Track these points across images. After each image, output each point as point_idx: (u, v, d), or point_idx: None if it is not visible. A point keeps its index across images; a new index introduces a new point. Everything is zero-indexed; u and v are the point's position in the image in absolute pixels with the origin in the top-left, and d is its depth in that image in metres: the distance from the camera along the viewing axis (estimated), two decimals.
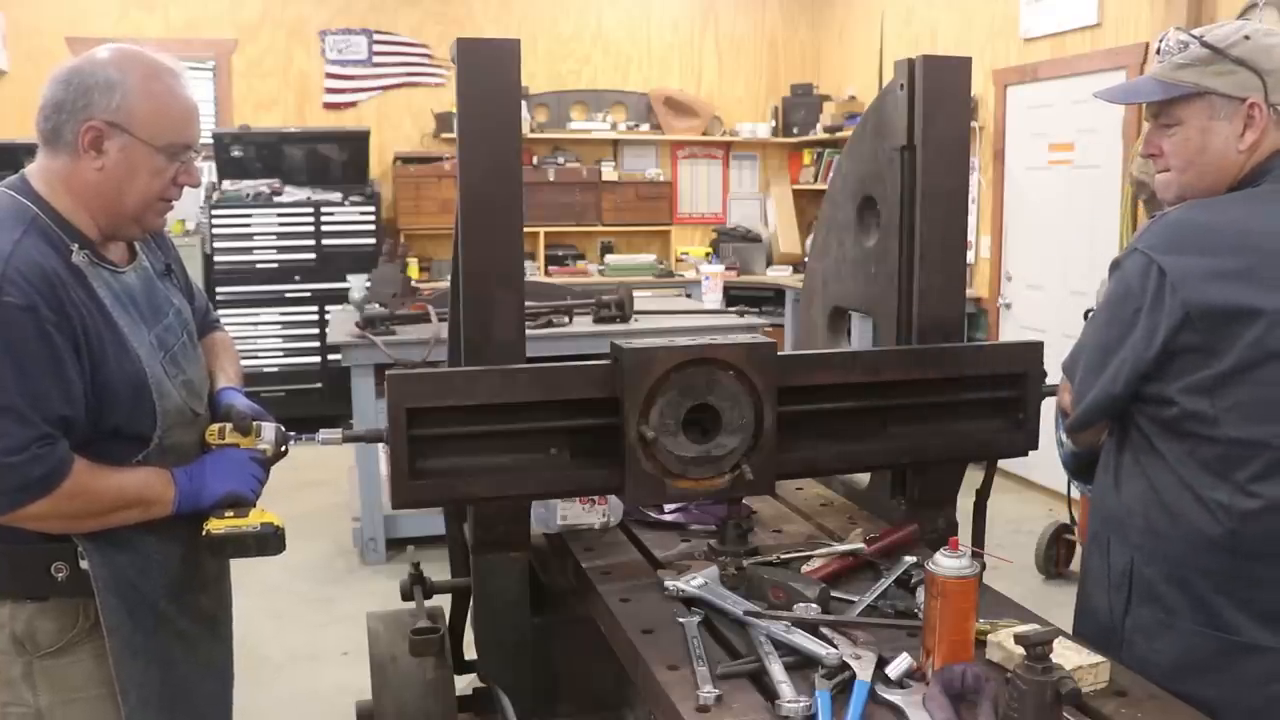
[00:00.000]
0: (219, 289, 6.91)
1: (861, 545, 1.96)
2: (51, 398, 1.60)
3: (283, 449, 1.89)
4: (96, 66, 1.69)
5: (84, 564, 1.70)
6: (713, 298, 6.67)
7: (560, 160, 8.19)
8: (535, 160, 8.03)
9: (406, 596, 2.16)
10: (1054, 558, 4.65)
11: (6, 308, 1.56)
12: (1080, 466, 1.96)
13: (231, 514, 1.77)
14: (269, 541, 1.78)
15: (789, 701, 1.42)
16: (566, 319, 4.97)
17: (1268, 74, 1.68)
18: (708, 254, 8.38)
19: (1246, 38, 1.69)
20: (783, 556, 1.94)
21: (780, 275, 8.16)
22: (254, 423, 1.85)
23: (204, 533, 1.76)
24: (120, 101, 1.67)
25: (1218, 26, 1.74)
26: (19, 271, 1.58)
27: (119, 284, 1.75)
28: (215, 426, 1.85)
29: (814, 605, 1.69)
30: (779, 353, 1.89)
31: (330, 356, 6.60)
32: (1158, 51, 1.80)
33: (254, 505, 1.81)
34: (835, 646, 1.56)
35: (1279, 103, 1.69)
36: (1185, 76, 1.71)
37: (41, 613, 1.72)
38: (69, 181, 1.71)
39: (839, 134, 7.81)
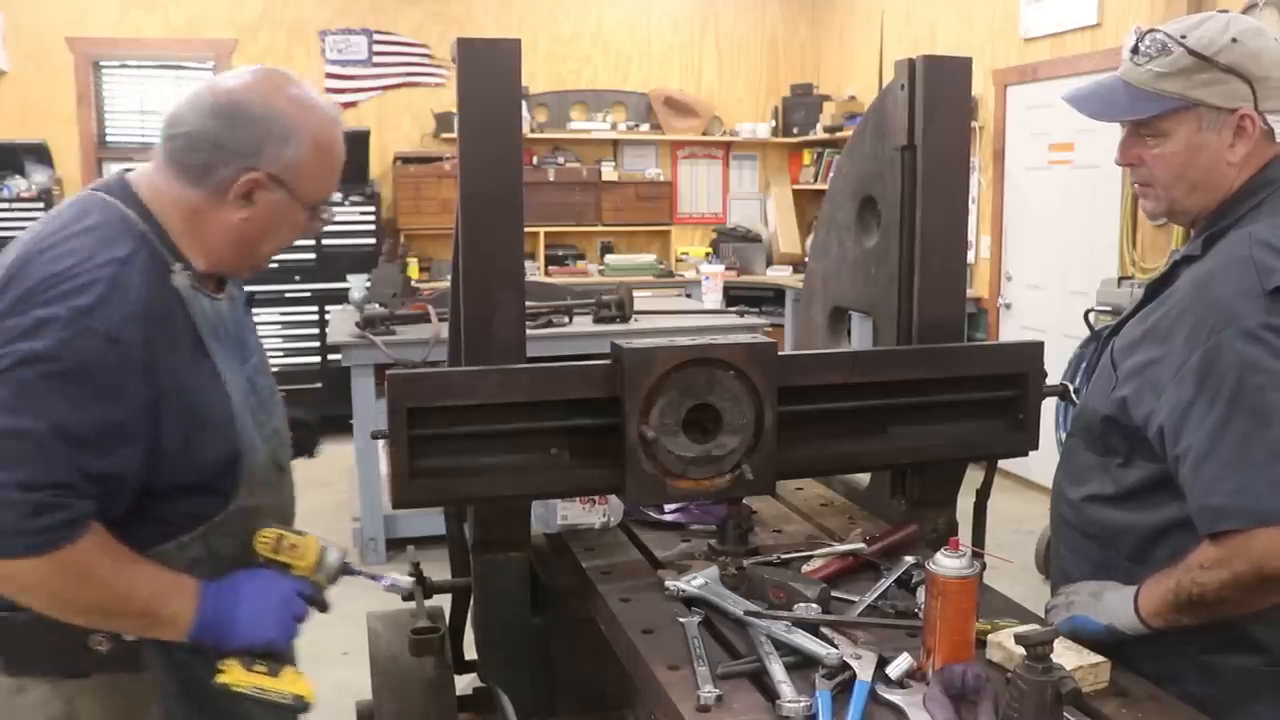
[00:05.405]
0: None
1: (861, 545, 1.96)
2: (94, 446, 1.37)
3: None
4: (272, 111, 1.50)
5: (129, 635, 1.50)
6: (713, 298, 6.67)
7: (560, 160, 8.19)
8: (535, 160, 8.03)
9: (406, 596, 2.16)
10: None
11: (90, 334, 1.36)
12: None
13: (262, 667, 1.52)
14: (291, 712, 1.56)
15: (789, 701, 1.42)
16: (566, 319, 4.97)
17: (1259, 81, 1.55)
18: (708, 254, 8.38)
19: (1234, 40, 1.54)
20: (783, 556, 1.94)
21: (780, 275, 8.16)
22: (318, 544, 1.61)
23: (220, 678, 1.51)
24: (291, 156, 1.51)
25: (1198, 25, 1.58)
26: (117, 298, 1.39)
27: (214, 312, 1.56)
28: (271, 534, 1.57)
29: (814, 605, 1.68)
30: (779, 353, 1.88)
31: (330, 356, 6.61)
32: (1134, 50, 1.62)
33: (288, 657, 1.59)
34: (835, 646, 1.56)
35: (1269, 110, 1.56)
36: (1168, 87, 1.57)
37: (83, 692, 1.50)
38: (195, 217, 1.52)
39: (839, 134, 7.81)
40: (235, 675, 1.50)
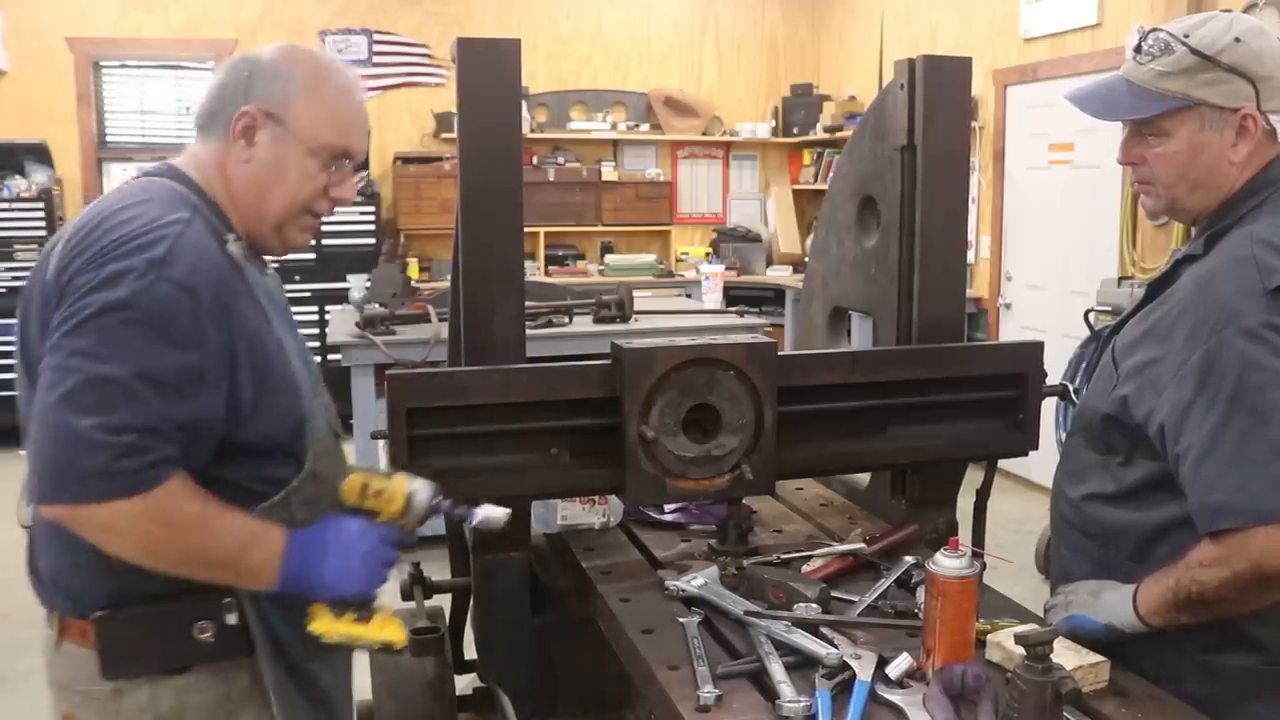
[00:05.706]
0: None
1: (861, 545, 1.96)
2: (176, 391, 1.38)
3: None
4: (266, 55, 1.56)
5: (231, 619, 1.48)
6: (713, 298, 6.67)
7: (560, 160, 8.19)
8: (535, 160, 8.04)
9: (406, 596, 2.16)
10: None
11: (165, 282, 1.37)
12: None
13: (354, 615, 1.50)
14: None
15: (789, 701, 1.42)
16: (566, 319, 4.97)
17: (1262, 81, 1.55)
18: (708, 254, 8.39)
19: (1237, 40, 1.55)
20: (783, 556, 1.94)
21: (780, 275, 8.16)
22: (406, 488, 1.56)
23: (311, 626, 1.49)
24: (281, 91, 1.53)
25: (1201, 24, 1.58)
26: (188, 251, 1.41)
27: (264, 284, 1.59)
28: (359, 479, 1.55)
29: (814, 605, 1.68)
30: (779, 353, 1.88)
31: (330, 356, 6.59)
32: (1136, 49, 1.63)
33: (375, 604, 1.54)
34: (835, 646, 1.56)
35: (1271, 110, 1.57)
36: (1171, 86, 1.57)
37: (187, 687, 1.49)
38: (221, 174, 1.56)
39: (839, 134, 7.81)
40: (325, 625, 1.49)
